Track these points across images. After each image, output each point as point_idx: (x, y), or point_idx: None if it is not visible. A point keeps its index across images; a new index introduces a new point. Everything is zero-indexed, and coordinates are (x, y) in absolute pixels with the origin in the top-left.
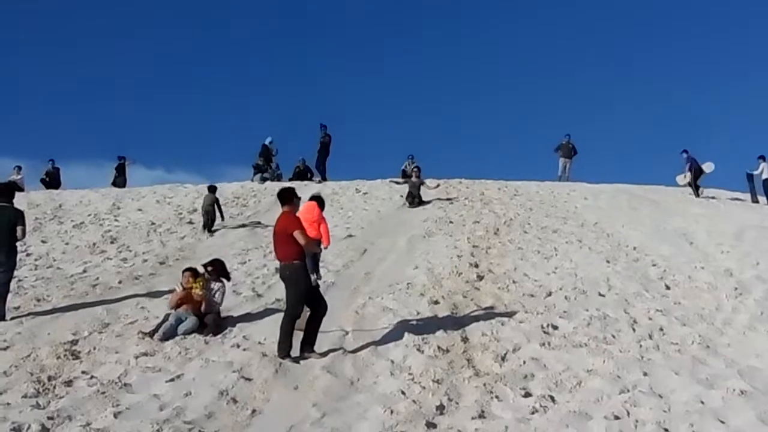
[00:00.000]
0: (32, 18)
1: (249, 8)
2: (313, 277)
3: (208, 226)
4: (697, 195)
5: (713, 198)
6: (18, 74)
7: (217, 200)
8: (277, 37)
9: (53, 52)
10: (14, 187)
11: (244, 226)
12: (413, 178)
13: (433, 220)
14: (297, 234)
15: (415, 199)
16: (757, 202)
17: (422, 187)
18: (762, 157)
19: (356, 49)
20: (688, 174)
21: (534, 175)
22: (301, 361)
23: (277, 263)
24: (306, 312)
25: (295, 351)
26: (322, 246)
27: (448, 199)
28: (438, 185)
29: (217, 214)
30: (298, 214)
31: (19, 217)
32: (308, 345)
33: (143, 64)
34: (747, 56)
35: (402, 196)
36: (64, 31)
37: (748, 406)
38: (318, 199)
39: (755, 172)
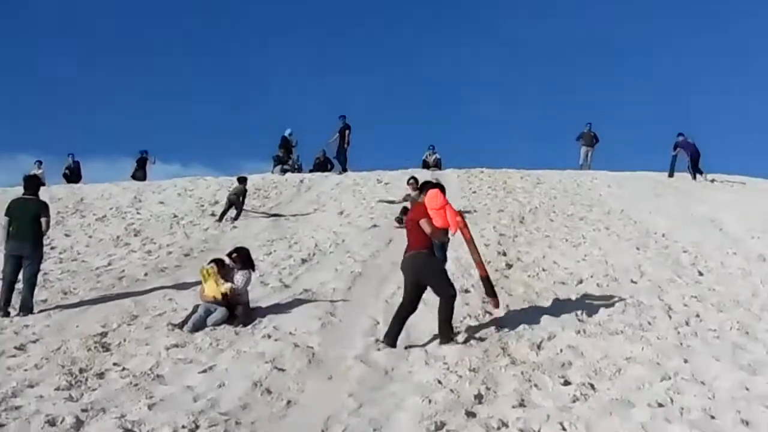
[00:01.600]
0: (47, 10)
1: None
2: None
3: (224, 214)
4: (694, 178)
5: (714, 181)
6: (35, 71)
7: (244, 192)
8: (292, 30)
9: (68, 48)
10: (39, 181)
11: (267, 216)
12: (411, 192)
13: (458, 209)
14: (423, 223)
15: None
16: None
17: None
18: None
19: (375, 38)
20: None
21: (554, 164)
22: (333, 353)
23: (302, 254)
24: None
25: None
26: (450, 233)
27: (470, 189)
28: None
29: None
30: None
31: (42, 209)
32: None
33: (157, 59)
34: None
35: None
36: (77, 26)
37: None
38: (439, 186)
39: None
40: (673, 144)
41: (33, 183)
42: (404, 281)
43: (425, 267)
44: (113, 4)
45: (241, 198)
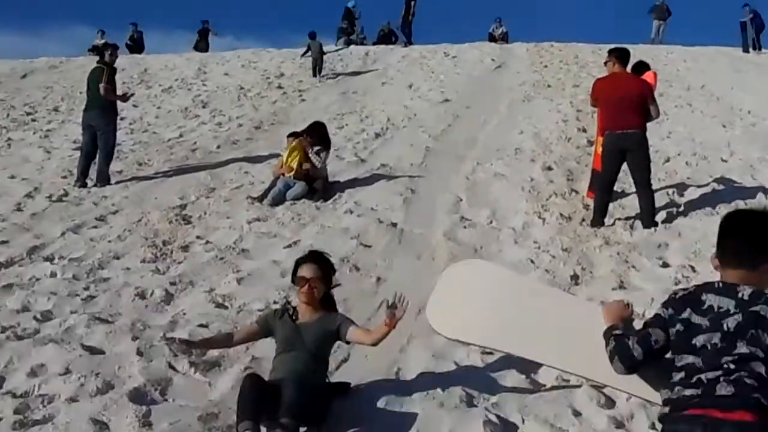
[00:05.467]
0: None
1: None
2: None
3: (318, 71)
4: (749, 51)
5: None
6: None
7: (321, 46)
8: None
9: None
10: (105, 47)
11: (334, 83)
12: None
13: (531, 84)
14: (655, 108)
15: None
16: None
17: None
18: None
19: None
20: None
21: (624, 39)
22: (418, 230)
23: (375, 128)
24: None
25: None
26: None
27: (542, 63)
28: None
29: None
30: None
31: (99, 74)
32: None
33: None
34: None
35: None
36: None
37: None
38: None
39: None
40: (744, 18)
41: (103, 49)
42: (611, 154)
43: (646, 147)
44: None
45: (322, 54)
